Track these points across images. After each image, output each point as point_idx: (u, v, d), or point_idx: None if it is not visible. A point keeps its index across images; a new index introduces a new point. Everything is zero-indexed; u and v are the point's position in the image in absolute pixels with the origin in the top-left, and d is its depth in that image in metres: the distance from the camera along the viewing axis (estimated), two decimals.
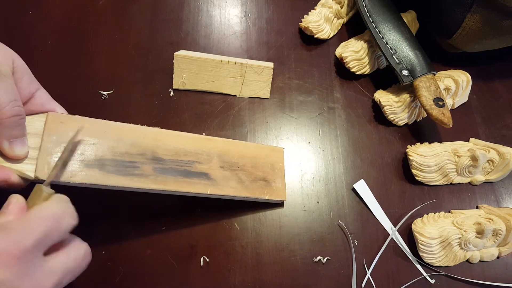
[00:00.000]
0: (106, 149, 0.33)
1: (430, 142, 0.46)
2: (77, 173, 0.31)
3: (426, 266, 0.41)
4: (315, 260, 0.40)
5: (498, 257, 0.42)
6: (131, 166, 0.33)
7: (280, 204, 0.43)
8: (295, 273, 0.40)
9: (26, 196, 0.28)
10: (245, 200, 0.40)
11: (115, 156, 0.33)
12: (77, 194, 0.40)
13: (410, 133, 0.48)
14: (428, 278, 0.41)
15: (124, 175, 0.33)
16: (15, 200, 0.26)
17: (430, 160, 0.44)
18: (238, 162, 0.39)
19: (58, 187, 0.32)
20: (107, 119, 0.34)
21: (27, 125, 0.30)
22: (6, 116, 0.27)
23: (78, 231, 0.39)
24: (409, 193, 0.45)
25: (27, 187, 0.30)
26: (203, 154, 0.38)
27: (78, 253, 0.26)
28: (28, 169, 0.30)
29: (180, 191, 0.36)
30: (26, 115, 0.30)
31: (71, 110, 0.35)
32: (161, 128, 0.38)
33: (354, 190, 0.44)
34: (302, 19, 0.52)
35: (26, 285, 0.21)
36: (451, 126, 0.44)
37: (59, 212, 0.25)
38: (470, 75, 0.49)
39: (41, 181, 0.30)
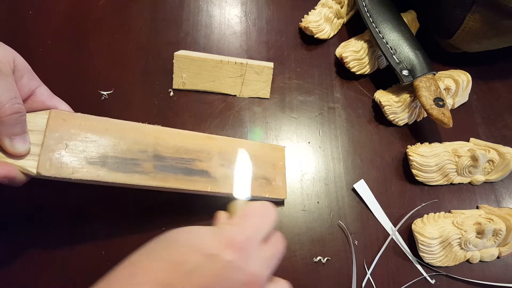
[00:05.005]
0: (108, 146, 0.33)
1: (430, 142, 0.46)
2: (78, 169, 0.31)
3: (426, 266, 0.41)
4: (315, 260, 0.40)
5: (498, 257, 0.42)
6: (132, 163, 0.34)
7: (280, 203, 0.43)
8: (295, 273, 0.40)
9: None
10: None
11: (117, 153, 0.33)
12: (77, 194, 0.40)
13: (410, 133, 0.48)
14: (428, 278, 0.41)
15: (125, 172, 0.33)
16: (222, 213, 0.32)
17: (430, 160, 0.44)
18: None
19: (59, 183, 0.32)
20: None
21: (30, 122, 0.31)
22: (6, 113, 0.28)
23: (78, 230, 0.39)
24: (409, 193, 0.45)
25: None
26: (203, 152, 0.38)
27: (279, 241, 0.29)
28: (30, 165, 0.30)
29: (181, 189, 0.36)
30: (27, 112, 0.31)
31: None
32: None
33: (354, 190, 0.44)
34: (302, 19, 0.52)
35: (250, 267, 0.26)
36: (451, 126, 0.44)
37: (263, 210, 0.30)
38: (470, 75, 0.49)
39: (43, 177, 0.30)
